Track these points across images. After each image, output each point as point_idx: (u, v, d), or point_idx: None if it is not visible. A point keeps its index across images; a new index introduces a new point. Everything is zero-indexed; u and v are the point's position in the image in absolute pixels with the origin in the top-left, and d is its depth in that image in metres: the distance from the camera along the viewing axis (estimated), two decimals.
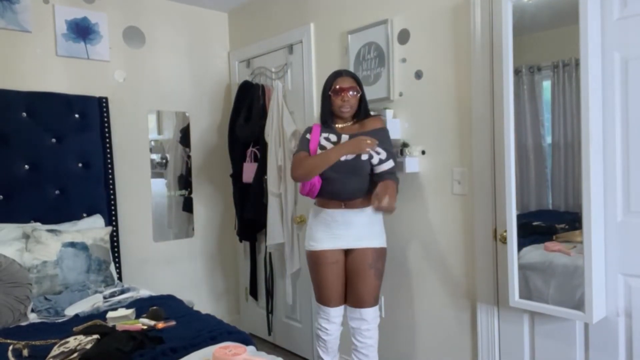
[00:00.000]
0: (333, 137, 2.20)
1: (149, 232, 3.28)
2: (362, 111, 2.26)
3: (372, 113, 2.32)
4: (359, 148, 2.07)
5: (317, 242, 2.23)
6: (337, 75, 2.22)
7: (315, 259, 2.25)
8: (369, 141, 2.06)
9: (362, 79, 2.63)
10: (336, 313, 2.27)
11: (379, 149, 2.14)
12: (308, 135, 2.24)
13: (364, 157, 2.13)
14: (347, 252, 2.24)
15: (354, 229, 2.19)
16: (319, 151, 2.16)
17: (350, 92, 2.17)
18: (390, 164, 2.17)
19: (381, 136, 2.17)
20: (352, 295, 2.23)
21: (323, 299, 2.27)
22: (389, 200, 1.98)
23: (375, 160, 2.15)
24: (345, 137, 2.17)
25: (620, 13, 1.70)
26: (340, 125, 2.25)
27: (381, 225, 2.27)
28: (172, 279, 3.36)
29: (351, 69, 2.67)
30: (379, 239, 2.24)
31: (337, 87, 2.17)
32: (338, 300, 2.26)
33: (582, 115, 1.67)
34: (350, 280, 2.23)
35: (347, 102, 2.17)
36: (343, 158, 2.10)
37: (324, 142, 2.20)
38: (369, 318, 2.20)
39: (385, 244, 2.26)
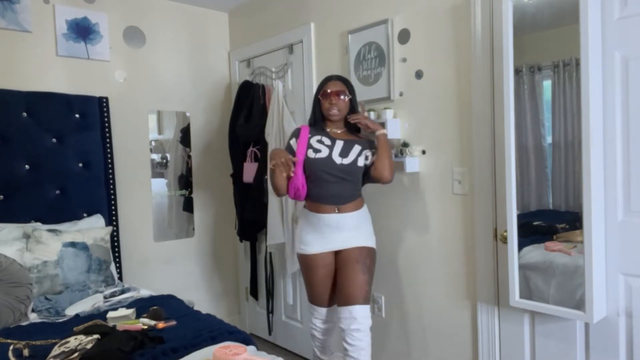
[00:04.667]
0: (327, 141, 2.22)
1: (149, 232, 3.28)
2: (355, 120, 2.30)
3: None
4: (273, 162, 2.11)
5: (307, 246, 2.25)
6: (327, 79, 2.28)
7: (306, 262, 2.28)
8: (282, 159, 2.09)
9: (362, 78, 2.63)
10: (329, 312, 2.32)
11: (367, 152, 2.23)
12: (293, 141, 2.25)
13: (361, 162, 2.20)
14: (336, 253, 2.26)
15: (346, 232, 2.20)
16: (311, 153, 2.18)
17: (341, 96, 2.21)
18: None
19: (372, 144, 2.27)
20: (341, 293, 2.20)
21: (315, 300, 2.32)
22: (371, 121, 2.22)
23: (369, 162, 2.23)
24: (339, 143, 2.21)
25: (621, 13, 1.70)
26: (335, 130, 2.27)
27: (371, 227, 2.30)
28: (172, 279, 3.36)
29: (351, 69, 2.67)
30: (369, 240, 2.26)
31: (327, 90, 2.21)
32: (330, 300, 2.31)
33: (582, 115, 1.66)
34: (338, 278, 2.23)
35: (334, 104, 2.20)
36: (339, 161, 2.16)
37: (316, 145, 2.20)
38: (359, 316, 2.12)
39: (374, 245, 2.27)
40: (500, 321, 2.13)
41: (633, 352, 1.74)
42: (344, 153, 2.19)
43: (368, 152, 2.23)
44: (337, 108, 2.21)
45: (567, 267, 1.79)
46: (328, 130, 2.27)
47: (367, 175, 2.24)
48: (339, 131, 2.28)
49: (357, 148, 2.22)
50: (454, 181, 2.28)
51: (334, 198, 2.18)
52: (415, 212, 2.46)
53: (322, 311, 2.32)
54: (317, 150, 2.18)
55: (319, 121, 2.29)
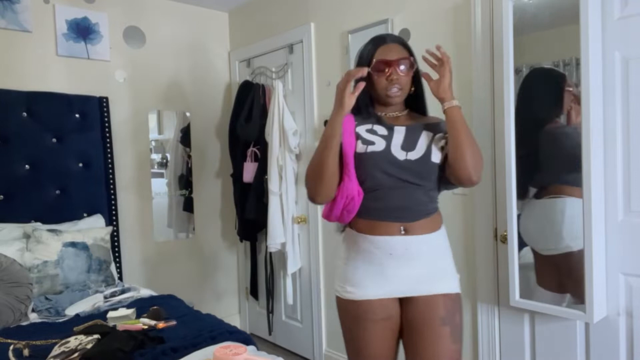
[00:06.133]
0: (380, 129, 1.51)
1: (149, 231, 3.28)
2: (417, 97, 1.60)
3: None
4: (343, 91, 1.42)
5: (358, 288, 1.48)
6: (379, 41, 1.53)
7: (354, 313, 1.50)
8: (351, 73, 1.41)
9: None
10: None
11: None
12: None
13: (436, 155, 1.47)
14: (403, 302, 1.51)
15: (418, 267, 1.46)
16: (360, 146, 1.47)
17: (401, 67, 1.48)
18: None
19: (442, 128, 1.55)
20: None
21: None
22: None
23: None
24: (400, 130, 1.51)
25: (621, 12, 1.70)
26: (391, 114, 1.57)
27: (451, 257, 1.56)
28: (172, 279, 3.36)
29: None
30: (452, 280, 1.52)
31: (385, 59, 1.48)
32: None
33: (582, 115, 1.66)
34: (412, 344, 1.50)
35: (396, 81, 1.48)
36: (402, 156, 1.45)
37: (367, 135, 1.49)
38: None
39: (459, 288, 1.55)
40: (500, 321, 2.13)
41: (633, 352, 1.74)
42: (408, 144, 1.48)
43: (442, 140, 1.50)
44: (400, 85, 1.49)
45: None
46: (380, 114, 1.56)
47: (440, 175, 1.51)
48: (397, 114, 1.57)
49: (426, 135, 1.51)
50: None
51: (398, 212, 1.45)
52: None
53: None
54: (368, 142, 1.47)
55: (365, 106, 1.55)
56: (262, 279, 3.44)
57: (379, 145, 1.46)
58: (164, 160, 3.40)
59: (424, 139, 1.49)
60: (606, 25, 1.72)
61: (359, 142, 1.47)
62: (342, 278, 1.54)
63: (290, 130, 2.96)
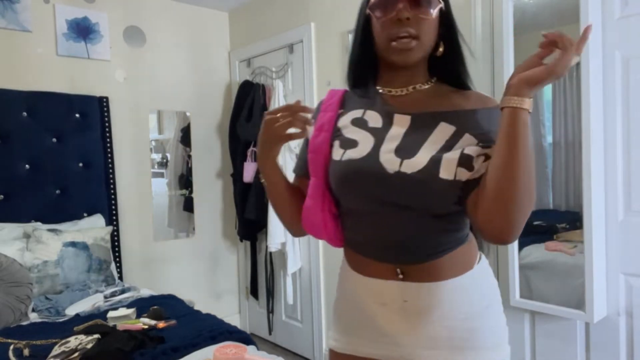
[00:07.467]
0: (375, 119, 0.98)
1: (149, 231, 3.28)
2: (450, 59, 1.00)
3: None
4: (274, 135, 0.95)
5: (343, 335, 1.04)
6: None
7: None
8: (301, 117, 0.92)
9: None
10: None
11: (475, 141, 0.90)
12: (311, 128, 0.99)
13: (447, 171, 0.87)
14: None
15: (426, 326, 0.94)
16: (336, 151, 0.97)
17: (422, 4, 0.93)
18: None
19: (486, 121, 0.92)
20: None
21: None
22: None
23: (476, 166, 0.88)
24: (402, 121, 0.96)
25: (621, 12, 1.70)
26: (399, 91, 1.00)
27: (497, 314, 1.01)
28: (172, 279, 3.36)
29: None
30: (491, 352, 0.96)
31: None
32: None
33: (583, 115, 1.66)
34: None
35: (407, 23, 0.92)
36: (392, 166, 0.90)
37: (350, 132, 0.98)
38: None
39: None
40: None
41: (633, 352, 1.74)
42: (407, 146, 0.92)
43: (481, 155, 0.88)
44: (414, 30, 0.92)
45: (568, 266, 1.79)
46: (383, 91, 1.01)
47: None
48: (411, 89, 0.99)
49: (445, 130, 0.93)
50: None
51: (388, 249, 0.95)
52: None
53: None
54: (348, 144, 0.96)
55: (362, 73, 1.04)
56: (262, 278, 3.44)
57: (363, 147, 0.94)
58: (164, 160, 3.40)
59: (438, 136, 0.91)
60: (606, 25, 1.72)
61: (336, 142, 0.97)
62: (333, 318, 1.09)
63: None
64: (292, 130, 0.93)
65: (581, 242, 1.71)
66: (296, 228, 1.07)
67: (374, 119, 0.98)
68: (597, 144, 1.70)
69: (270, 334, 3.42)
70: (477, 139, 0.90)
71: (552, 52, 0.79)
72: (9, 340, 1.74)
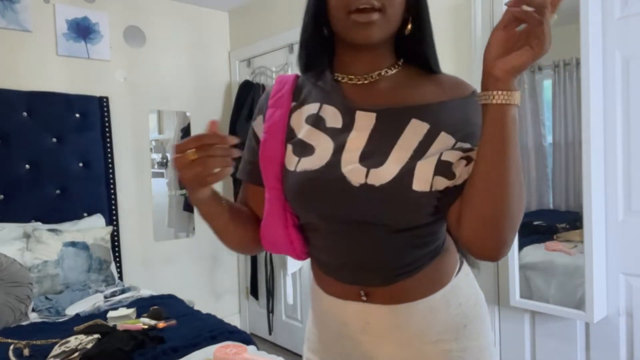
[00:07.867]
0: (334, 116, 0.82)
1: (149, 231, 3.28)
2: (418, 38, 0.88)
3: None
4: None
5: (314, 354, 0.96)
6: None
7: None
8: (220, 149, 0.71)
9: None
10: None
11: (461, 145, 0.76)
12: (258, 120, 0.89)
13: (421, 182, 0.73)
14: None
15: (393, 349, 0.83)
16: (289, 159, 0.81)
17: None
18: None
19: (463, 114, 0.79)
20: None
21: None
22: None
23: (457, 174, 0.74)
24: (366, 119, 0.80)
25: (622, 12, 1.70)
26: (355, 80, 0.83)
27: (480, 334, 0.85)
28: (172, 279, 3.36)
29: None
30: None
31: None
32: None
33: (583, 115, 1.66)
34: None
35: None
36: (359, 180, 0.75)
37: (305, 133, 0.82)
38: None
39: None
40: (500, 321, 2.13)
41: (633, 352, 1.74)
42: (374, 151, 0.77)
43: (462, 159, 0.75)
44: (377, 2, 0.75)
45: (568, 266, 1.79)
46: (341, 78, 0.84)
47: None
48: (376, 75, 0.83)
49: (417, 128, 0.77)
50: None
51: (350, 270, 0.84)
52: None
53: None
54: (302, 150, 0.81)
55: (322, 59, 0.86)
56: (262, 278, 3.44)
57: (321, 154, 0.78)
58: (164, 160, 3.40)
59: (410, 138, 0.76)
60: (606, 25, 1.72)
61: (289, 148, 0.82)
62: (306, 331, 1.00)
63: None
64: (216, 169, 0.70)
65: (581, 242, 1.71)
66: (248, 250, 0.92)
67: (333, 116, 0.81)
68: (597, 144, 1.70)
69: (270, 334, 3.42)
70: (455, 137, 0.76)
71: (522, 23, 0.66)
72: (9, 340, 1.74)
